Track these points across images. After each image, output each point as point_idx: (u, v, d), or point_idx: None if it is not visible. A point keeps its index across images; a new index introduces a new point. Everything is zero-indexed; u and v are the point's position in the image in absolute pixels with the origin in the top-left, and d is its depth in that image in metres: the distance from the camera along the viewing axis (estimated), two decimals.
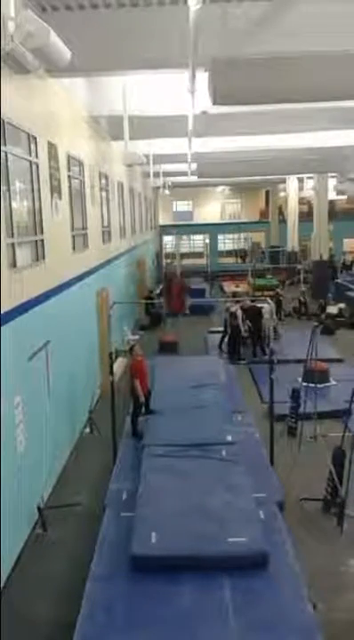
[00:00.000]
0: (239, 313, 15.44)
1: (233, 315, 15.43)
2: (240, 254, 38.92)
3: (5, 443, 6.30)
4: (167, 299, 20.49)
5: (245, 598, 5.38)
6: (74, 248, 10.57)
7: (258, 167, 19.03)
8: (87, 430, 10.37)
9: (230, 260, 38.68)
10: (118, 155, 15.08)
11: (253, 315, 15.50)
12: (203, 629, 5.04)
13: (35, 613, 5.86)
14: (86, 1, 7.53)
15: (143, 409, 9.72)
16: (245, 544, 5.99)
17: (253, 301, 16.04)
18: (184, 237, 36.09)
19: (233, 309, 15.51)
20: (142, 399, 9.61)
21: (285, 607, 5.31)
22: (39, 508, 7.33)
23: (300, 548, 6.30)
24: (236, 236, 40.03)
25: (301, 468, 8.56)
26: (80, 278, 10.78)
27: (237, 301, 16.14)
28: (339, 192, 29.96)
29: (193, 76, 7.73)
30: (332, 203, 29.27)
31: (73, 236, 10.48)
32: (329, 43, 7.53)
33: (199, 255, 37.19)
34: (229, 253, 39.85)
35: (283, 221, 35.56)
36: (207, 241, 38.17)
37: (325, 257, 25.01)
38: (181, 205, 42.65)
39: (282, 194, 36.30)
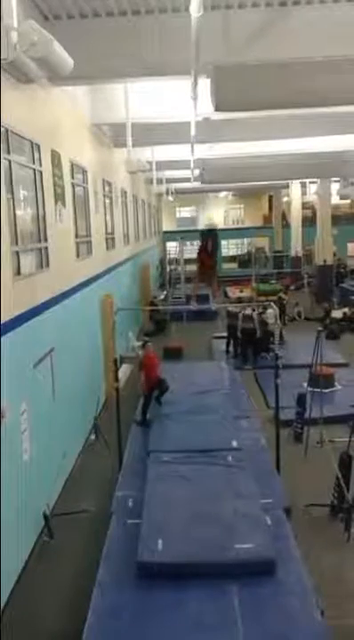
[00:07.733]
0: (255, 315, 15.24)
1: (246, 317, 15.18)
2: (241, 260, 38.64)
3: (11, 450, 6.29)
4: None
5: (253, 605, 5.36)
6: (78, 255, 10.59)
7: (261, 172, 19.03)
8: (92, 437, 10.35)
9: (234, 265, 38.61)
10: (121, 162, 15.12)
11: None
12: (210, 637, 5.02)
13: (41, 621, 5.84)
14: (88, 9, 7.59)
15: (156, 397, 10.65)
16: (252, 550, 5.96)
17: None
18: (188, 243, 36.05)
19: (247, 312, 15.27)
20: (146, 393, 10.49)
21: (294, 614, 5.28)
22: (45, 516, 7.32)
23: (307, 554, 6.26)
24: (239, 241, 39.98)
25: (307, 473, 8.54)
26: (84, 285, 10.80)
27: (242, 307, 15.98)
28: (342, 196, 29.89)
29: (195, 83, 7.76)
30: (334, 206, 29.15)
31: (77, 243, 10.51)
32: (330, 48, 7.55)
33: None
34: (232, 258, 39.81)
35: (286, 226, 35.53)
36: None
37: (329, 262, 24.92)
38: (185, 211, 42.71)
39: (285, 199, 36.27)
